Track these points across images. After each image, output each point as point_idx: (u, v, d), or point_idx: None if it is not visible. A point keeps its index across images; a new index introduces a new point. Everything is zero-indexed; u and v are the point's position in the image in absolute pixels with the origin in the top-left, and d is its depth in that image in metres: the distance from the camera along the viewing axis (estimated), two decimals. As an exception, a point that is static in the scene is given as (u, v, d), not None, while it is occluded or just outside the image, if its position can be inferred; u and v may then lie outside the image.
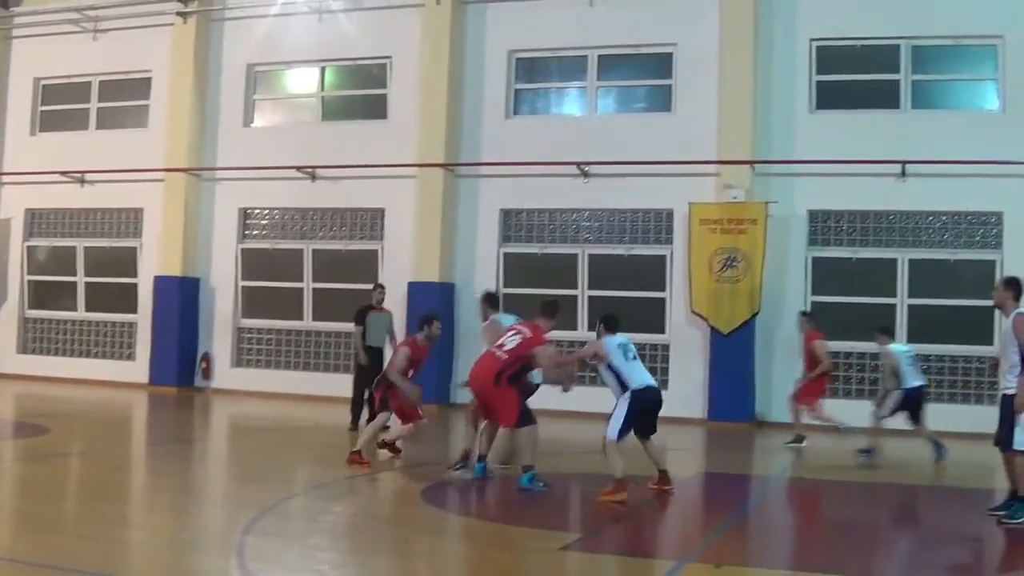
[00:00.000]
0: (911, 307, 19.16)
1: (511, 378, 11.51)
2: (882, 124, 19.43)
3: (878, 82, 19.79)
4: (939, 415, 18.26)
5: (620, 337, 11.20)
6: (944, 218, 19.28)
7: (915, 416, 14.76)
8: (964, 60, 19.90)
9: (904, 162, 18.94)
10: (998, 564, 9.14)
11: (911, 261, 19.26)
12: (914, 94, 19.62)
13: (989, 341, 17.61)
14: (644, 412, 11.01)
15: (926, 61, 19.70)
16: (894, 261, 19.34)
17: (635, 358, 11.16)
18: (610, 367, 10.98)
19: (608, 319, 11.42)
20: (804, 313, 17.24)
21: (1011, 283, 10.28)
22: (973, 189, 18.82)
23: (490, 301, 13.59)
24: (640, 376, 11.07)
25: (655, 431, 11.24)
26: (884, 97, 19.66)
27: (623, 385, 10.94)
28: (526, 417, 11.48)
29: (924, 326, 19.02)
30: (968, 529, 10.17)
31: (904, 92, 19.61)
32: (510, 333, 11.84)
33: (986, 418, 16.01)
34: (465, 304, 20.77)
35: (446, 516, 10.39)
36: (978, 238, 19.12)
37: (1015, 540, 9.49)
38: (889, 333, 15.57)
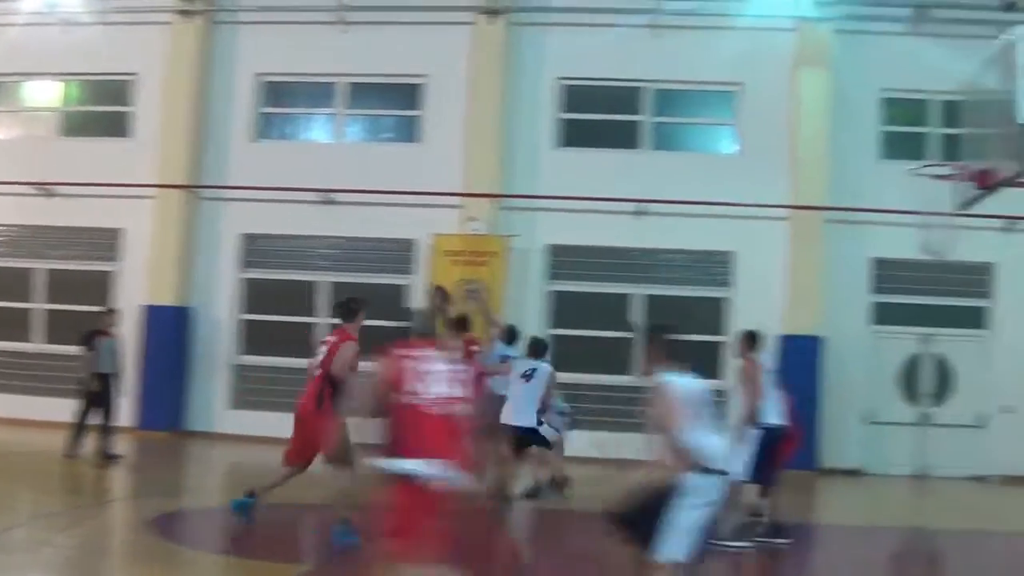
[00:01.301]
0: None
1: (332, 399, 10.11)
2: (623, 163, 19.93)
3: (620, 122, 20.33)
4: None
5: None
6: (679, 256, 19.82)
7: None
8: (704, 104, 20.71)
9: (643, 200, 19.43)
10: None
11: (646, 296, 19.71)
12: (655, 135, 20.20)
13: (718, 375, 17.90)
14: None
15: (667, 104, 20.36)
16: (630, 296, 19.76)
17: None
18: None
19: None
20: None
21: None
22: (707, 229, 19.49)
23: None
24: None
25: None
26: (626, 137, 20.21)
27: None
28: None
29: (655, 360, 19.42)
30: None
31: (645, 133, 20.17)
32: (320, 347, 10.79)
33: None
34: (202, 329, 20.29)
35: (175, 548, 10.03)
36: (710, 276, 19.70)
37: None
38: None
